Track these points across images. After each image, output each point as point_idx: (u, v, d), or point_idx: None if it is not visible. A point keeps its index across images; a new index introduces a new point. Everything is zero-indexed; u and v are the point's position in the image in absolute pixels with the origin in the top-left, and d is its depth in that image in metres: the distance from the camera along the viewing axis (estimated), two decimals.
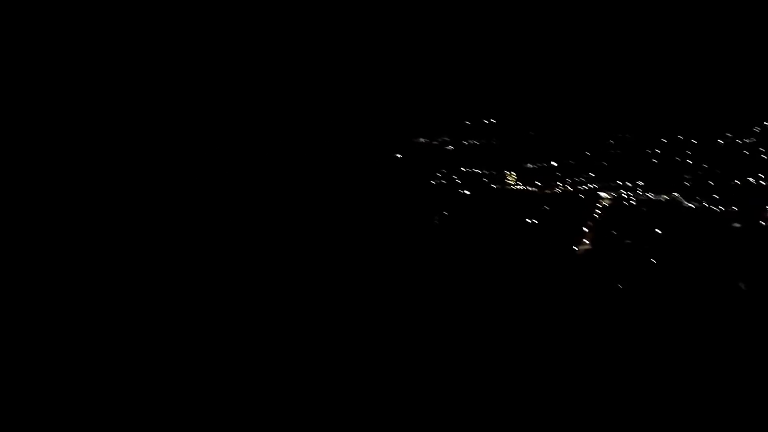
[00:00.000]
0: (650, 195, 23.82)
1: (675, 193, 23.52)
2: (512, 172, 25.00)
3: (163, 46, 20.19)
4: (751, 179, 22.92)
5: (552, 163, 24.91)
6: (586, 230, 23.29)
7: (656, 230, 22.61)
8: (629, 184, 24.07)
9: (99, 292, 10.78)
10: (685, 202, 23.32)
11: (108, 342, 9.37)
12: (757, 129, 23.63)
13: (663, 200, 23.58)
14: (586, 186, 24.39)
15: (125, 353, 9.12)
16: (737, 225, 22.27)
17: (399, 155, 25.50)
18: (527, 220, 23.66)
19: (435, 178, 25.25)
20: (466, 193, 24.80)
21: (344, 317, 19.35)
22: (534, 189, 24.65)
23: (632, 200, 23.82)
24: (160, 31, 20.31)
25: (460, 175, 25.22)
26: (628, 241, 22.87)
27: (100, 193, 13.52)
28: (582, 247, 23.11)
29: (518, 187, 24.83)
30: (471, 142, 25.69)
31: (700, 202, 23.15)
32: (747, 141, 23.59)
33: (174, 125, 18.97)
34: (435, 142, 25.80)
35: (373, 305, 20.19)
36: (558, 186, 24.60)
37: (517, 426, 15.14)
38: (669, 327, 20.02)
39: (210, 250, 17.76)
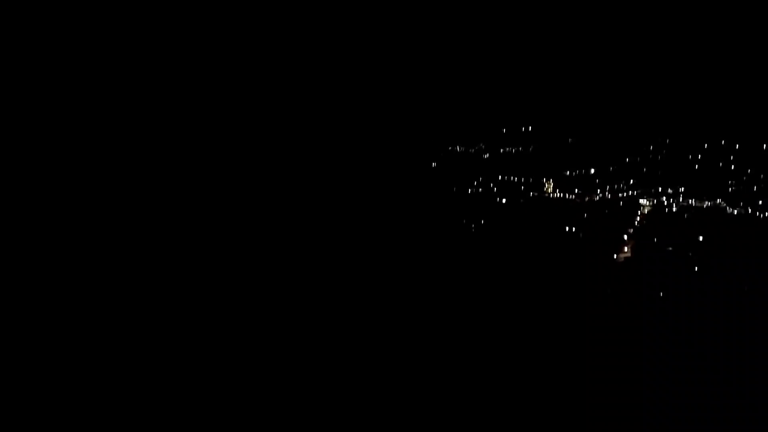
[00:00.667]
0: (692, 201, 23.35)
1: (718, 199, 23.01)
2: (550, 180, 24.70)
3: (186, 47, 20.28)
4: None
5: (591, 170, 24.54)
6: (626, 238, 22.91)
7: (699, 237, 22.14)
8: (670, 191, 23.61)
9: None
10: (729, 209, 22.80)
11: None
12: None
13: (706, 206, 23.09)
14: (626, 193, 23.98)
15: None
16: None
17: (435, 163, 25.38)
18: (566, 228, 23.35)
19: (471, 186, 25.05)
20: (503, 202, 24.57)
21: (377, 323, 19.26)
22: (572, 197, 24.32)
23: (674, 206, 23.36)
24: (179, 31, 20.37)
25: (497, 183, 25.00)
26: (670, 249, 22.44)
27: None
28: (622, 255, 22.75)
29: (556, 194, 24.52)
30: (508, 149, 25.45)
31: (745, 208, 22.62)
32: None
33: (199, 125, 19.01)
34: (471, 150, 25.61)
35: (408, 313, 20.07)
36: (597, 193, 24.23)
37: None
38: (711, 335, 19.55)
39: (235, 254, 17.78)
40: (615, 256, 22.62)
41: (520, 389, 15.92)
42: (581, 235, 23.24)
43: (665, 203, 23.56)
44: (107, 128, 16.62)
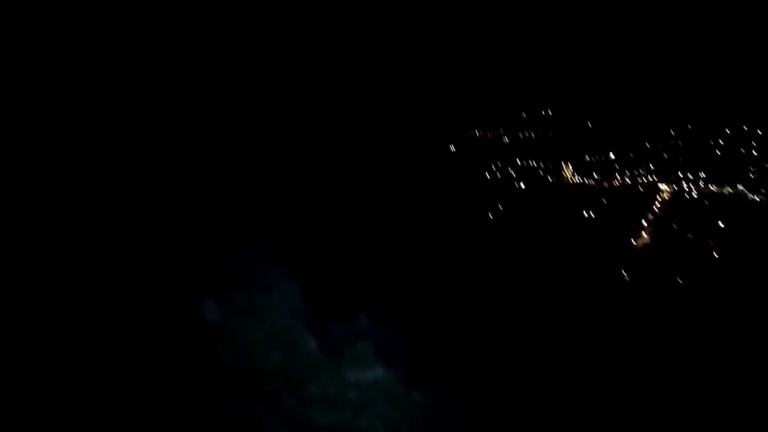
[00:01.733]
0: (713, 187, 23.11)
1: (739, 186, 22.77)
2: (569, 165, 24.47)
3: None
4: None
5: (610, 155, 24.30)
6: (646, 224, 22.75)
7: (719, 223, 21.96)
8: (691, 176, 23.37)
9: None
10: (750, 195, 22.57)
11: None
12: None
13: (726, 193, 22.86)
14: (646, 178, 23.75)
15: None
16: None
17: (453, 147, 25.18)
18: (584, 213, 23.19)
19: (490, 171, 24.88)
20: (521, 187, 24.39)
21: (397, 307, 19.18)
22: (592, 182, 24.10)
23: (694, 193, 23.14)
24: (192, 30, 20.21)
25: (516, 167, 24.80)
26: (690, 235, 22.29)
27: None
28: (641, 241, 22.60)
29: (575, 180, 24.30)
30: (527, 134, 25.22)
31: (766, 195, 22.39)
32: None
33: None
34: (490, 135, 25.39)
35: (425, 298, 19.99)
36: (616, 179, 24.01)
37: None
38: (730, 323, 19.47)
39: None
40: (634, 241, 22.48)
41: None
42: (600, 221, 23.09)
43: (685, 189, 23.33)
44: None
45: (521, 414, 14.35)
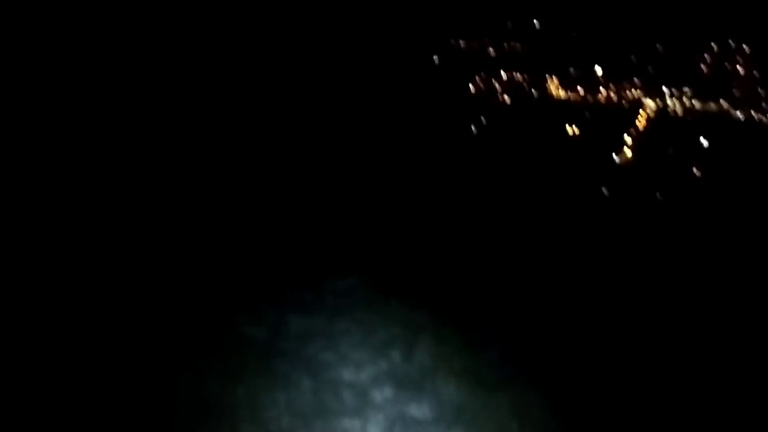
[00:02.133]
0: (697, 103, 22.88)
1: (723, 102, 22.55)
2: (554, 78, 24.03)
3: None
4: None
5: (596, 68, 23.87)
6: (629, 139, 22.53)
7: (702, 141, 21.81)
8: (676, 92, 23.08)
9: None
10: (734, 112, 22.39)
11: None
12: None
13: (711, 109, 22.65)
14: (631, 92, 23.42)
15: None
16: None
17: (436, 57, 24.59)
18: (567, 127, 22.92)
19: (473, 82, 24.38)
20: (505, 99, 23.99)
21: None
22: (576, 95, 23.74)
23: (678, 109, 22.90)
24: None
25: (500, 80, 24.33)
26: (671, 152, 22.15)
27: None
28: (623, 157, 22.44)
29: (560, 93, 23.92)
30: (512, 44, 24.66)
31: (750, 113, 22.23)
32: None
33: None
34: (474, 44, 24.79)
35: (404, 209, 19.66)
36: (601, 93, 23.65)
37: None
38: (710, 244, 19.38)
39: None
40: (616, 158, 22.32)
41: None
42: (583, 135, 22.83)
43: (669, 105, 23.08)
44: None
45: (492, 321, 14.33)
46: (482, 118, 23.20)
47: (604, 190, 22.00)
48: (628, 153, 22.42)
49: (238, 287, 14.29)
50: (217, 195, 18.11)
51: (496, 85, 24.13)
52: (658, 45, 23.70)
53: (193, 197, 17.67)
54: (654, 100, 23.20)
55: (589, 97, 23.53)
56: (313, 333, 12.74)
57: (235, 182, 18.84)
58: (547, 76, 23.89)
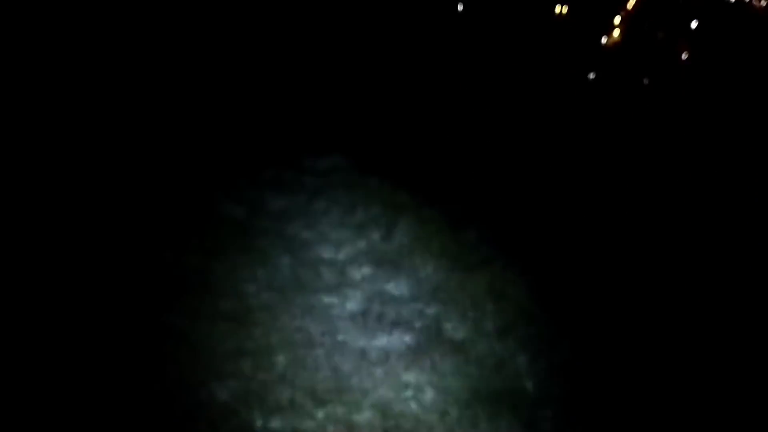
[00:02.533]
0: None
1: None
2: None
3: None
4: None
5: None
6: (617, 21, 22.03)
7: (691, 23, 21.37)
8: None
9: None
10: None
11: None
12: None
13: None
14: None
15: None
16: None
17: None
18: (555, 9, 22.33)
19: None
20: None
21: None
22: None
23: None
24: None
25: None
26: (660, 34, 21.74)
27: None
28: (611, 40, 22.02)
29: None
30: None
31: None
32: None
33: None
34: None
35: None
36: None
37: None
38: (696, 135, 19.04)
39: None
40: (604, 39, 21.91)
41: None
42: (570, 17, 22.27)
43: None
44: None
45: (474, 202, 14.34)
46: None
47: (591, 74, 21.76)
48: (616, 35, 21.98)
49: (217, 165, 14.17)
50: (195, 69, 17.72)
51: None
52: None
53: (170, 71, 17.30)
54: None
55: None
56: (292, 212, 12.72)
57: (215, 59, 18.40)
58: None
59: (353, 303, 10.19)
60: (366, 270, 11.03)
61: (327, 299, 10.16)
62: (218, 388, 8.21)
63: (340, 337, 9.49)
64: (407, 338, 9.62)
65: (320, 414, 8.04)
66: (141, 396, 7.93)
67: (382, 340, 9.55)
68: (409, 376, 8.88)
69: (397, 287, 10.63)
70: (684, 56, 21.22)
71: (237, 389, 8.25)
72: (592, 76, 21.90)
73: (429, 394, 8.57)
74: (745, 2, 21.39)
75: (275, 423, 7.83)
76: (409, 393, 8.59)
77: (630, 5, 22.06)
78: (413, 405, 8.38)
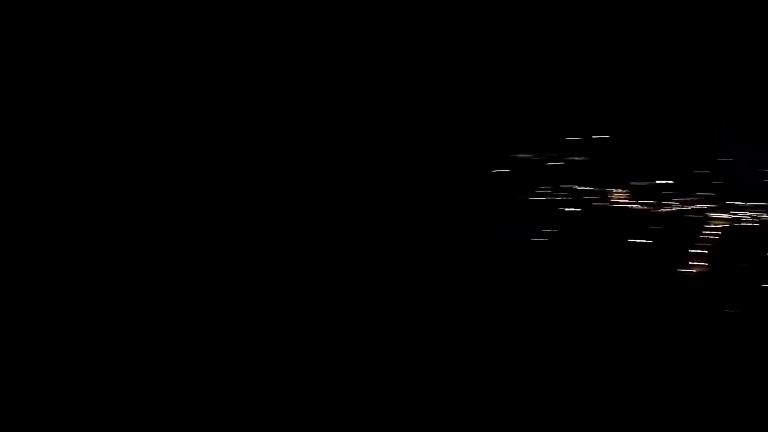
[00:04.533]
0: (766, 215, 22.50)
1: None
2: (619, 190, 23.88)
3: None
4: None
5: (663, 180, 23.69)
6: (697, 252, 22.13)
7: None
8: (744, 203, 22.74)
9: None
10: None
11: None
12: None
13: None
14: (699, 205, 23.13)
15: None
16: None
17: (499, 170, 24.66)
18: (634, 240, 22.62)
19: (536, 195, 24.34)
20: (568, 211, 23.82)
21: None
22: (642, 207, 23.50)
23: (748, 221, 22.50)
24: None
25: (563, 191, 24.24)
26: (744, 265, 21.68)
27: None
28: (693, 270, 21.99)
29: (625, 205, 23.70)
30: (575, 158, 24.67)
31: None
32: None
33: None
34: (537, 158, 24.86)
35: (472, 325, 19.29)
36: (668, 205, 23.39)
37: None
38: None
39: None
40: (684, 270, 21.88)
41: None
42: (651, 247, 22.49)
43: (737, 217, 22.71)
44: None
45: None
46: (544, 230, 23.00)
47: (674, 303, 21.50)
48: (698, 266, 22.00)
49: None
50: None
51: (559, 196, 23.93)
52: (728, 158, 23.50)
53: None
54: (723, 212, 22.84)
55: (655, 209, 23.24)
56: None
57: None
58: (611, 188, 23.67)
59: None
60: None
61: None
62: None
63: None
64: None
65: None
66: None
67: None
68: None
69: None
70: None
71: None
72: (677, 307, 21.58)
73: None
74: None
75: None
76: None
77: (710, 236, 22.30)
78: None
